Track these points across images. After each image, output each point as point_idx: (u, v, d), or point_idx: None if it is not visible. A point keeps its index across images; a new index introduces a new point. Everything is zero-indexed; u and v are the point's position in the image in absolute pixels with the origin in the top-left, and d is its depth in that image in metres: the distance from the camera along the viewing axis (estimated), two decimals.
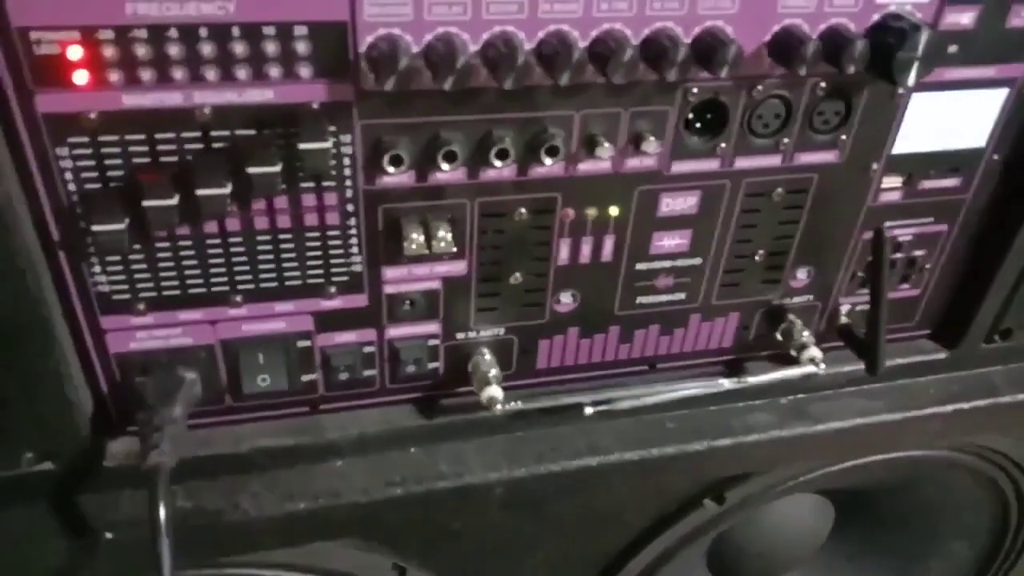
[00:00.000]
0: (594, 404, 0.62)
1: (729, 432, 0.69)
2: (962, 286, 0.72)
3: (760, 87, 0.55)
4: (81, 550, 0.57)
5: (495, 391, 0.60)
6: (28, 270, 0.48)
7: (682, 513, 0.82)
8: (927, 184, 0.65)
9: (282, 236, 0.53)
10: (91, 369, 0.55)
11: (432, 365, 0.62)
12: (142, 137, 0.47)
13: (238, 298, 0.55)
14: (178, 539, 0.53)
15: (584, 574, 0.85)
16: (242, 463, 0.61)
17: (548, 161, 0.53)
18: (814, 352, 0.67)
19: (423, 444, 0.65)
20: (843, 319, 0.71)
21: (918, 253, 0.69)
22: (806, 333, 0.68)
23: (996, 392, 0.76)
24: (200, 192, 0.48)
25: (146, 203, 0.48)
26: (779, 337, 0.69)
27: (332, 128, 0.49)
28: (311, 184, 0.51)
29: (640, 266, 0.62)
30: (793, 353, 0.68)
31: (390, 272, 0.57)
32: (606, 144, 0.54)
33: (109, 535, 0.57)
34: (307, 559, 0.70)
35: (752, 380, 0.65)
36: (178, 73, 0.45)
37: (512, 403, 0.60)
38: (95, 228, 0.48)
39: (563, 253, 0.59)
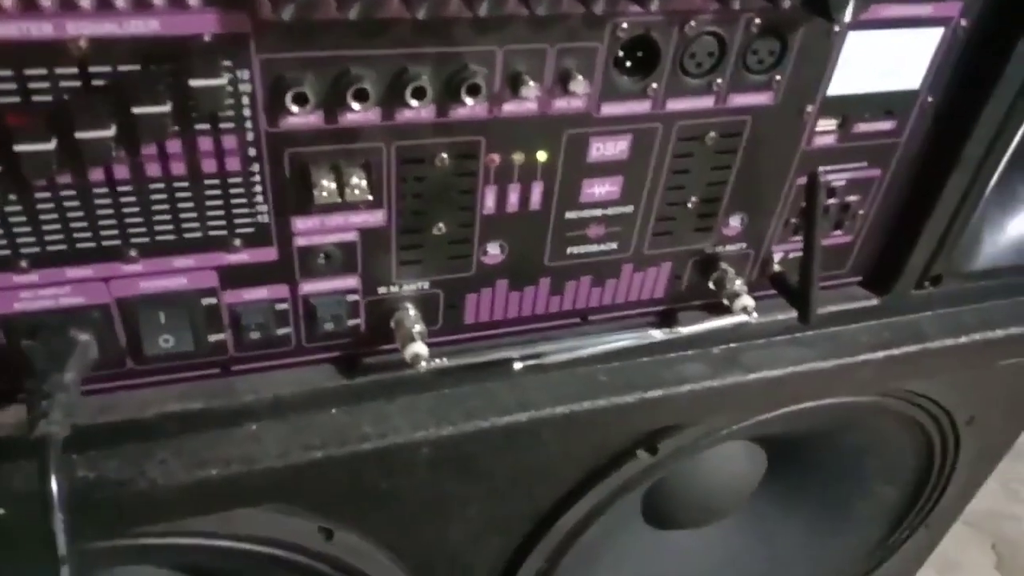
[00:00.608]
0: (523, 359, 0.59)
1: (661, 383, 0.67)
2: (894, 232, 0.71)
3: (693, 23, 0.52)
4: None
5: (420, 348, 0.57)
6: None
7: (615, 465, 0.81)
8: (862, 127, 0.63)
9: (177, 184, 0.49)
10: None
11: (352, 322, 0.59)
12: (9, 73, 0.42)
13: (132, 252, 0.50)
14: (82, 511, 0.49)
15: (518, 529, 0.84)
16: (148, 429, 0.57)
17: (469, 101, 0.49)
18: (746, 301, 0.65)
19: (344, 405, 0.62)
20: (776, 267, 0.70)
21: (851, 199, 0.68)
22: (739, 282, 0.66)
23: (925, 338, 0.77)
24: (80, 135, 0.43)
25: (19, 148, 0.43)
26: (712, 286, 0.67)
27: (227, 63, 0.45)
28: (207, 126, 0.47)
29: (570, 215, 0.59)
30: (726, 302, 0.67)
31: (300, 223, 0.53)
32: (531, 83, 0.50)
33: (1, 511, 0.53)
34: (228, 527, 0.67)
35: (684, 331, 0.64)
36: None
37: (438, 360, 0.57)
38: None
39: (489, 202, 0.56)
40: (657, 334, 0.63)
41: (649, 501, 1.05)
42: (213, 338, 0.56)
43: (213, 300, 0.54)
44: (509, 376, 0.64)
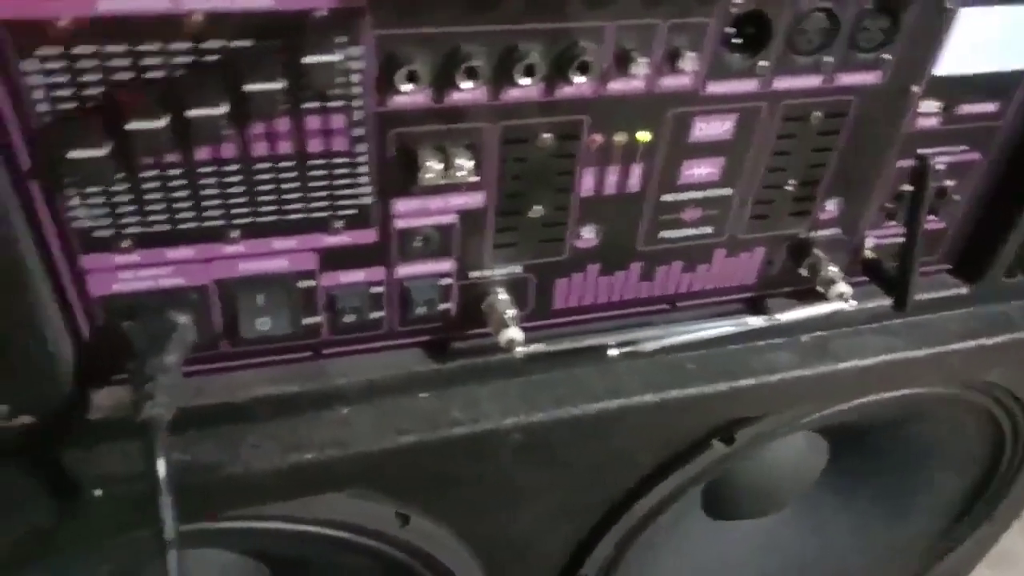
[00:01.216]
0: (619, 345, 0.58)
1: (751, 372, 0.66)
2: (988, 219, 0.69)
3: None
4: (67, 509, 0.52)
5: (515, 333, 0.56)
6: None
7: (690, 454, 0.80)
8: (965, 109, 0.61)
9: (283, 164, 0.48)
10: (71, 314, 0.50)
11: (444, 306, 0.58)
12: (123, 48, 0.41)
13: (234, 234, 0.50)
14: (175, 495, 0.48)
15: (589, 517, 0.83)
16: (241, 413, 0.56)
17: (579, 79, 0.48)
18: (843, 287, 0.63)
19: (434, 390, 0.61)
20: (867, 253, 0.68)
21: (949, 184, 0.66)
22: (834, 268, 0.64)
23: (1015, 327, 0.74)
24: (192, 113, 0.42)
25: (130, 126, 0.42)
26: (804, 272, 0.66)
27: (341, 39, 0.43)
28: (316, 105, 0.46)
29: (667, 198, 0.58)
30: (820, 289, 0.65)
31: (401, 205, 0.52)
32: (641, 60, 0.49)
33: (98, 492, 0.52)
34: (306, 510, 0.66)
35: (782, 317, 0.62)
36: None
37: (534, 345, 0.56)
38: (71, 155, 0.42)
39: (587, 184, 0.55)
40: (756, 321, 0.61)
41: (709, 491, 1.04)
42: (308, 321, 0.55)
43: (311, 283, 0.53)
44: (598, 363, 0.62)
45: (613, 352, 0.58)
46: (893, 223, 0.67)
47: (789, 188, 0.60)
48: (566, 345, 0.58)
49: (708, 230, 0.61)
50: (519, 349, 0.56)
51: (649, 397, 0.63)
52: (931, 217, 0.68)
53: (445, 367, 0.60)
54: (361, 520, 0.70)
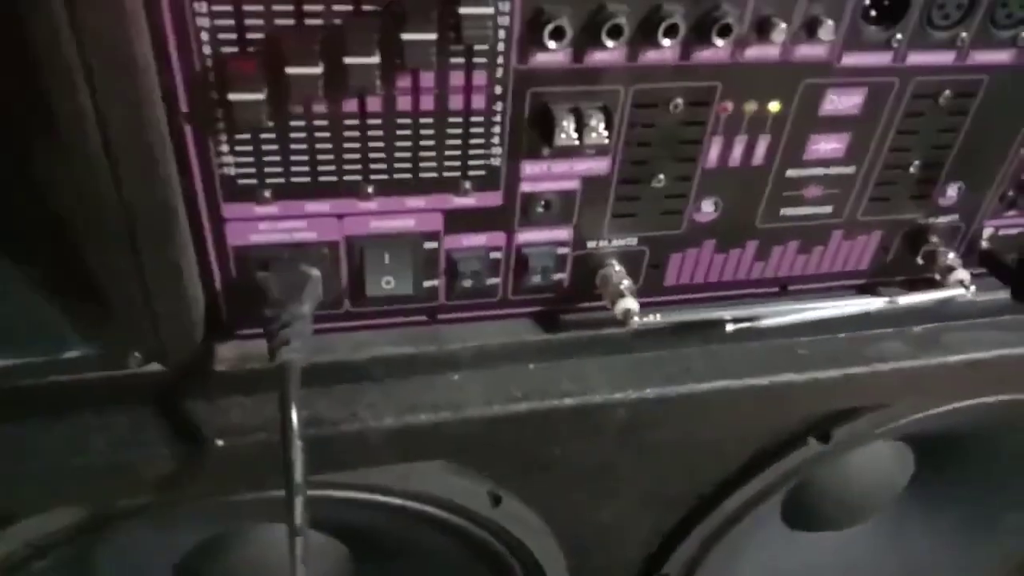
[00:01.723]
0: (735, 320, 0.57)
1: (864, 359, 0.64)
2: None
3: None
4: (190, 457, 0.53)
5: (630, 303, 0.55)
6: (156, 145, 0.44)
7: (783, 451, 0.78)
8: None
9: (423, 120, 0.48)
10: (206, 264, 0.51)
11: (557, 276, 0.58)
12: None
13: (369, 189, 0.50)
14: None
15: (675, 512, 0.82)
16: (358, 372, 0.57)
17: (719, 42, 0.48)
18: (962, 275, 0.62)
19: (544, 360, 0.61)
20: (984, 243, 0.66)
21: None
22: (951, 255, 0.63)
23: None
24: (349, 61, 0.43)
25: (289, 70, 0.43)
26: (920, 260, 0.64)
27: None
28: (461, 60, 0.46)
29: (791, 173, 0.57)
30: (936, 276, 0.63)
31: (529, 168, 0.52)
32: (781, 25, 0.48)
33: (220, 442, 0.53)
34: (403, 483, 0.67)
35: (903, 301, 0.61)
36: None
37: (650, 316, 0.55)
38: (231, 97, 0.43)
39: (713, 154, 0.55)
40: (877, 303, 0.60)
41: (789, 499, 1.02)
42: (428, 284, 0.56)
43: (435, 244, 0.54)
44: (706, 344, 0.62)
45: (730, 327, 0.57)
46: (1012, 212, 0.65)
47: (912, 170, 0.59)
48: (683, 317, 0.57)
49: (827, 210, 0.60)
50: (635, 320, 0.55)
51: (760, 380, 0.62)
52: None
53: (555, 338, 0.60)
54: (453, 496, 0.70)
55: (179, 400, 0.54)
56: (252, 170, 0.48)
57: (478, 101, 0.48)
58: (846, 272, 0.65)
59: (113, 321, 0.50)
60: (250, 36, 0.43)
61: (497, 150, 0.51)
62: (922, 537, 1.10)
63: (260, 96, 0.43)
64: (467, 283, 0.56)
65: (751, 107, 0.53)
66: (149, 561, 0.77)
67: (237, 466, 0.54)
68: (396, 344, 0.57)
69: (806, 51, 0.51)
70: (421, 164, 0.50)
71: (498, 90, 0.48)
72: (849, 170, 0.58)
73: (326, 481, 0.62)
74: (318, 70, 0.43)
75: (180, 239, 0.48)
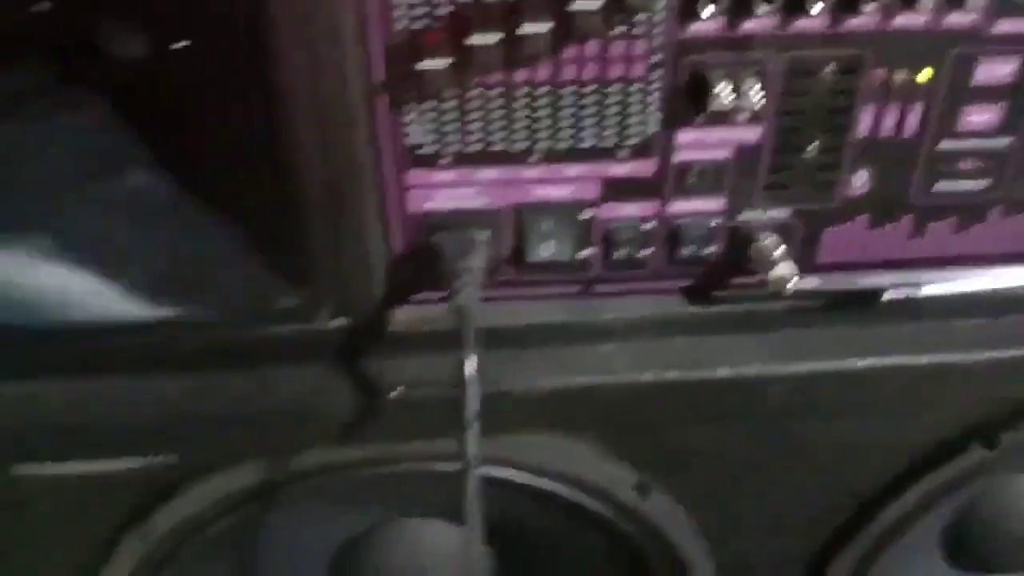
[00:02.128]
0: (895, 286, 0.57)
1: None
2: None
3: None
4: (368, 406, 0.58)
5: (786, 268, 0.57)
6: (355, 111, 0.50)
7: (945, 456, 0.75)
8: None
9: (586, 89, 0.53)
10: (388, 227, 0.57)
11: (709, 249, 0.60)
12: None
13: (534, 158, 0.55)
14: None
15: (829, 519, 0.80)
16: (516, 337, 0.61)
17: (868, 8, 0.50)
18: None
19: (692, 334, 0.63)
20: None
21: None
22: None
23: None
24: (525, 30, 0.48)
25: (471, 40, 0.49)
26: None
27: None
28: (623, 29, 0.51)
29: (945, 145, 0.57)
30: None
31: (682, 136, 0.56)
32: None
33: (394, 394, 0.58)
34: (556, 465, 0.69)
35: None
36: None
37: (806, 281, 0.57)
38: (420, 67, 0.49)
39: (864, 124, 0.56)
40: None
41: (951, 529, 0.96)
42: (582, 254, 0.59)
43: (591, 213, 0.58)
44: (863, 322, 0.62)
45: (889, 295, 0.57)
46: None
47: None
48: (840, 284, 0.58)
49: (984, 184, 0.60)
50: (791, 285, 0.56)
51: (926, 358, 0.61)
52: None
53: (707, 311, 0.62)
54: (604, 482, 0.71)
55: (361, 355, 0.60)
56: (433, 138, 0.54)
57: (638, 69, 0.52)
58: (1008, 254, 0.63)
59: (309, 279, 0.57)
60: (438, 11, 0.49)
61: (653, 117, 0.55)
62: None
63: (446, 63, 0.49)
64: (620, 253, 0.59)
65: (900, 76, 0.54)
66: (305, 553, 0.82)
67: (410, 417, 0.59)
68: (552, 314, 0.61)
69: (956, 19, 0.52)
70: (581, 132, 0.55)
71: (656, 58, 0.52)
72: (1003, 142, 0.58)
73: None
74: (497, 38, 0.49)
75: (366, 203, 0.54)
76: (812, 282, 0.57)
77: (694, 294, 0.63)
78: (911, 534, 0.83)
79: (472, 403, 0.49)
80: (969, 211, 0.61)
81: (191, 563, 0.72)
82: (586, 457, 0.70)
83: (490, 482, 0.69)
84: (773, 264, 0.58)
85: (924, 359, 0.61)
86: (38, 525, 0.66)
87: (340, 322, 0.59)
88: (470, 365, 0.49)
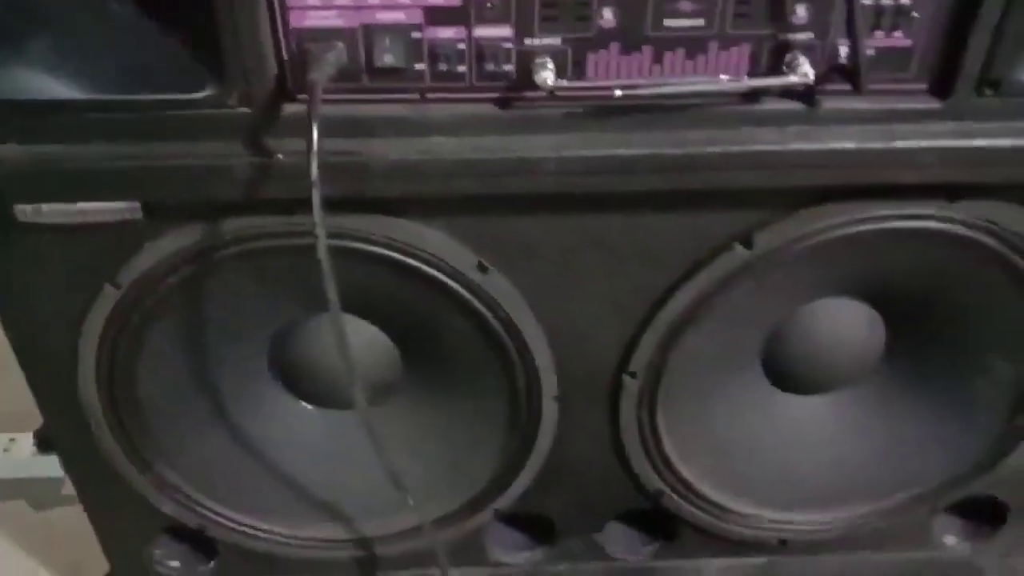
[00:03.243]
0: (623, 88, 0.82)
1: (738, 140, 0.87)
2: (949, 31, 0.83)
3: None
4: (262, 166, 0.85)
5: (549, 75, 0.82)
6: None
7: (712, 257, 0.99)
8: None
9: None
10: (277, 38, 0.82)
11: (507, 66, 0.84)
12: None
13: None
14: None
15: (632, 314, 1.03)
16: (369, 127, 0.86)
17: None
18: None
19: (502, 133, 0.87)
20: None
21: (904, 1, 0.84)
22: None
23: (984, 137, 0.88)
24: None
25: None
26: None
27: None
28: None
29: None
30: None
31: None
32: None
33: (280, 156, 0.84)
34: (406, 236, 0.94)
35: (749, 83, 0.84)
36: None
37: (562, 81, 0.81)
38: None
39: None
40: (724, 80, 0.83)
41: (770, 354, 1.15)
42: (416, 66, 0.84)
43: (419, 35, 0.83)
44: (627, 126, 0.86)
45: (618, 92, 0.82)
46: None
47: None
48: (583, 84, 0.83)
49: (700, 22, 0.84)
50: (549, 84, 0.81)
51: (676, 150, 0.86)
52: (896, 33, 0.86)
53: (508, 114, 0.86)
54: (448, 258, 0.95)
55: (258, 133, 0.85)
56: None
57: None
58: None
59: (223, 75, 0.82)
60: None
61: None
62: (906, 406, 1.19)
63: None
64: (443, 67, 0.84)
65: None
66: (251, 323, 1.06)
67: (295, 177, 0.83)
68: (395, 111, 0.86)
69: None
70: None
71: None
72: None
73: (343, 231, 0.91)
74: None
75: (263, 19, 0.80)
76: (563, 83, 0.82)
77: (500, 102, 0.88)
78: (700, 325, 1.04)
79: (314, 169, 0.75)
80: (693, 43, 0.85)
81: (153, 314, 0.98)
82: (436, 240, 0.95)
83: (354, 253, 0.93)
84: (541, 72, 0.83)
85: (678, 150, 0.86)
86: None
87: (244, 110, 0.85)
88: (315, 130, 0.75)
